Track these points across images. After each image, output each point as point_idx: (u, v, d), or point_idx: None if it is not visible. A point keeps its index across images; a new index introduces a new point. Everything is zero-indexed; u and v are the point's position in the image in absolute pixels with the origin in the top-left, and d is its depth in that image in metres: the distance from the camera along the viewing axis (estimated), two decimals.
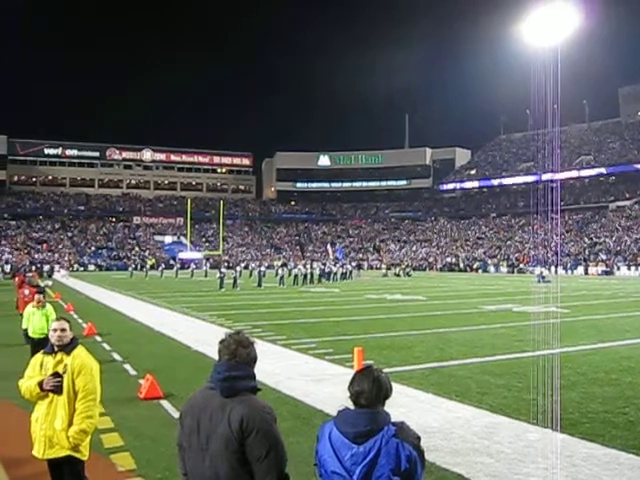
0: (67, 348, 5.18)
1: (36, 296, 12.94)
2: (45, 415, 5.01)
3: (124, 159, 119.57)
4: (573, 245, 78.02)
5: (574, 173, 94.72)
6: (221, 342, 3.36)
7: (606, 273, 65.54)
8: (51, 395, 5.02)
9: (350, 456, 2.90)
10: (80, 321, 21.19)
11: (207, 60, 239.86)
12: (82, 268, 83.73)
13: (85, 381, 5.05)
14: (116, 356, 14.31)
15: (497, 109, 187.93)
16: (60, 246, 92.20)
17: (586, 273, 67.08)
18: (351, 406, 3.05)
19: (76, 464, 5.10)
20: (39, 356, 5.27)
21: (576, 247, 77.14)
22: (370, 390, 2.98)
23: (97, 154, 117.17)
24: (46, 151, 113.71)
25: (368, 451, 2.87)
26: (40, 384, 5.00)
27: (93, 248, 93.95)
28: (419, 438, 2.99)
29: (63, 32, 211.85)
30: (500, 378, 11.40)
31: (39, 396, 5.04)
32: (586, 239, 79.21)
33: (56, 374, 5.04)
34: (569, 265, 69.95)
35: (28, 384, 5.05)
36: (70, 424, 4.99)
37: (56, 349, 5.17)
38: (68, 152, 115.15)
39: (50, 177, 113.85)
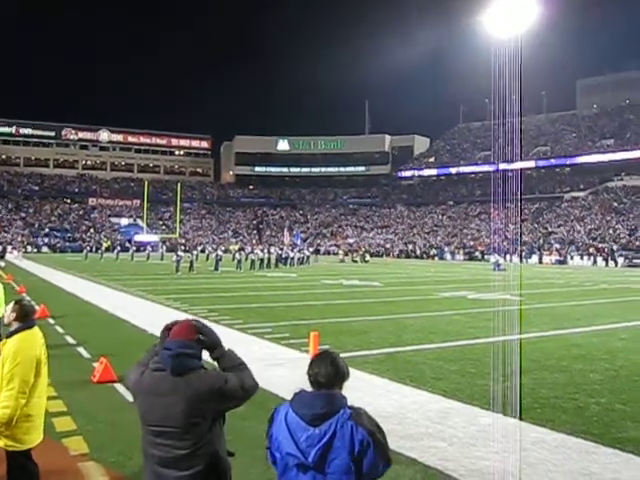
0: (10, 333, 5.08)
1: None
2: None
3: (80, 139, 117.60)
4: (528, 234, 79.10)
5: (531, 163, 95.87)
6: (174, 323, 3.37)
7: (560, 262, 66.63)
8: None
9: (306, 438, 2.90)
10: (33, 303, 20.88)
11: (169, 41, 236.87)
12: (36, 249, 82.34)
13: (8, 368, 4.86)
14: (69, 339, 14.15)
15: (457, 98, 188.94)
16: (13, 227, 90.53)
17: (540, 262, 68.07)
18: (307, 388, 3.06)
19: (14, 455, 4.98)
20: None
21: (531, 236, 78.24)
22: (327, 373, 3.00)
23: (52, 133, 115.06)
24: None
25: (324, 433, 2.87)
26: None
27: (47, 229, 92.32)
28: (380, 429, 2.98)
29: (19, 7, 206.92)
30: (454, 364, 11.54)
31: None
32: (541, 229, 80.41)
33: None
34: (524, 254, 70.91)
35: None
36: None
37: (8, 333, 5.08)
38: (22, 131, 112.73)
39: (3, 156, 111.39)
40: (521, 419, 7.82)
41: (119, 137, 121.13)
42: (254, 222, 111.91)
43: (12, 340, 5.04)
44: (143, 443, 3.27)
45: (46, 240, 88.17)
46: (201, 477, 3.15)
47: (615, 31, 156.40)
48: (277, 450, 3.02)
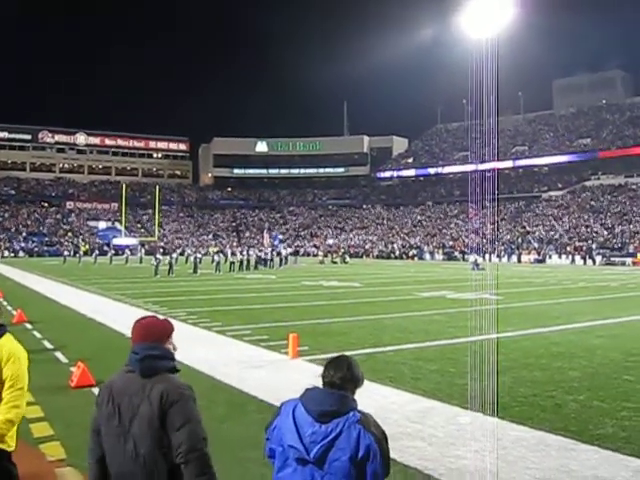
0: None
1: None
2: None
3: (57, 142, 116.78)
4: (507, 234, 79.61)
5: (509, 163, 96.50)
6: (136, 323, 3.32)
7: (538, 261, 67.12)
8: None
9: (311, 433, 2.87)
10: (9, 308, 20.62)
11: (144, 43, 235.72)
12: (12, 254, 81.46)
13: (13, 369, 4.72)
14: (47, 344, 13.97)
15: (435, 99, 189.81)
16: None
17: (519, 261, 68.51)
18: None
19: (1, 456, 4.92)
20: None
21: (510, 236, 78.73)
22: (343, 376, 2.98)
23: (29, 137, 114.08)
24: None
25: (329, 432, 2.85)
26: None
27: (24, 234, 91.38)
28: (386, 437, 2.95)
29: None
30: (433, 363, 11.56)
31: None
32: (519, 228, 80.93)
33: None
34: (503, 253, 71.36)
35: None
36: None
37: None
38: None
39: None
40: (500, 418, 7.84)
41: (96, 140, 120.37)
42: (233, 224, 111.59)
43: (6, 340, 4.96)
44: (107, 445, 3.20)
45: (23, 244, 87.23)
46: None
47: (591, 31, 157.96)
48: (278, 443, 2.99)
